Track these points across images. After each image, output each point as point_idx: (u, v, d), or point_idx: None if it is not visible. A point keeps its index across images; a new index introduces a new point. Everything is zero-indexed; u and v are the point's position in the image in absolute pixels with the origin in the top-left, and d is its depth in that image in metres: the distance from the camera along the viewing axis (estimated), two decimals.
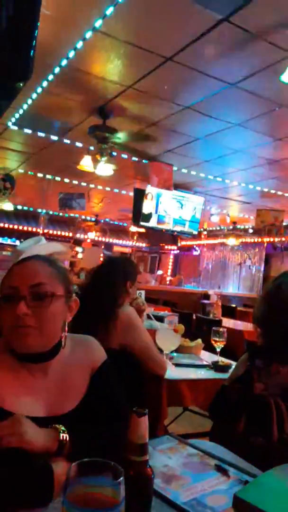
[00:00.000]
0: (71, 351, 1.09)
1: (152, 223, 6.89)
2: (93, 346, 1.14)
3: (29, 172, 7.15)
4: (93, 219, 11.15)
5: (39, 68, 2.55)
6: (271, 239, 9.96)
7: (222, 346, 2.44)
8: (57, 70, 3.52)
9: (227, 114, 4.21)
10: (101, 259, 13.44)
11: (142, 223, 6.81)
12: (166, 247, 13.34)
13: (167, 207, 6.96)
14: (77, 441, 0.89)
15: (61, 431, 0.89)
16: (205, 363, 2.41)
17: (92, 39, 3.03)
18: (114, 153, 4.86)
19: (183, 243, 12.57)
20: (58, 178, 7.28)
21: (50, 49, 3.17)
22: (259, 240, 10.51)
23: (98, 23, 2.83)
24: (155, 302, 6.37)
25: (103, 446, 0.91)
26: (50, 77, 3.65)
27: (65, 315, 1.04)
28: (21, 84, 2.03)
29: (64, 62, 3.39)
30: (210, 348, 2.59)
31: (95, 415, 1.01)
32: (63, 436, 0.88)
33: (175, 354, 2.44)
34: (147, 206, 6.69)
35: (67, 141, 5.25)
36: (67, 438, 0.88)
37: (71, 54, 3.25)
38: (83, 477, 0.59)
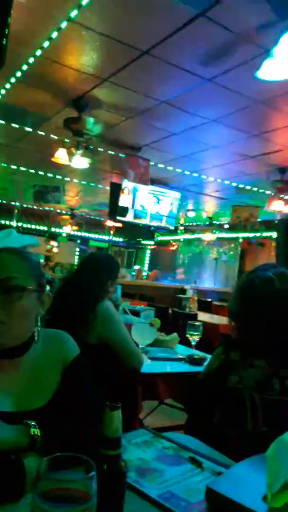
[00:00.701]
0: (44, 346, 1.07)
1: (129, 217, 6.87)
2: (66, 341, 1.13)
3: (2, 164, 7.00)
4: (68, 213, 11.04)
5: (13, 58, 2.50)
6: (246, 235, 10.13)
7: (198, 339, 2.46)
8: (31, 60, 3.45)
9: (203, 110, 4.22)
10: (77, 253, 13.37)
11: (118, 218, 6.78)
12: (143, 242, 13.35)
13: (144, 202, 6.95)
14: (49, 436, 0.88)
15: (32, 426, 0.88)
16: (180, 356, 2.43)
17: (67, 29, 2.97)
18: (90, 147, 4.80)
19: (160, 238, 12.62)
20: (32, 171, 7.16)
21: (24, 38, 3.10)
22: (235, 235, 10.66)
23: (74, 13, 2.78)
24: (132, 297, 6.37)
25: (76, 441, 0.90)
26: (24, 67, 3.57)
27: (37, 310, 1.02)
28: None
29: (38, 53, 3.32)
30: (186, 342, 2.60)
31: (67, 410, 1.00)
32: (34, 432, 0.87)
33: (150, 348, 2.44)
34: (124, 201, 6.67)
35: (41, 133, 5.16)
36: (38, 433, 0.87)
37: (46, 44, 3.18)
38: (55, 472, 0.59)
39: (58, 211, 10.99)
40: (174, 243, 12.84)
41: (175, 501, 0.84)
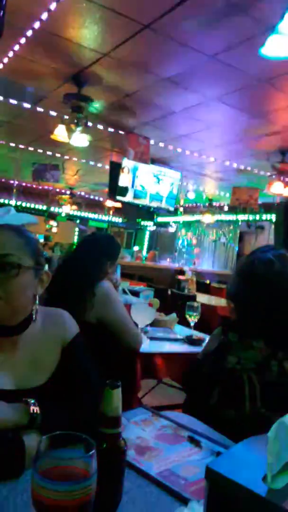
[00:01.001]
0: (43, 324, 1.06)
1: (129, 197, 6.82)
2: (65, 320, 1.12)
3: (1, 141, 6.90)
4: (68, 192, 10.94)
5: (11, 30, 2.42)
6: (246, 217, 10.08)
7: (196, 320, 2.47)
8: (29, 33, 3.35)
9: (205, 88, 4.13)
10: (76, 233, 13.33)
11: (118, 198, 6.73)
12: (142, 223, 13.30)
13: (144, 182, 6.89)
14: (49, 414, 0.88)
15: (31, 404, 0.87)
16: (179, 337, 2.44)
17: (66, 1, 2.88)
18: (90, 123, 4.72)
19: (160, 219, 12.56)
20: (31, 148, 7.06)
21: (22, 9, 3.00)
22: (234, 218, 10.61)
23: None
24: (131, 277, 6.38)
25: (75, 419, 0.90)
26: (22, 40, 3.47)
27: (35, 288, 1.01)
28: None
29: (37, 25, 3.22)
30: (184, 323, 2.61)
31: (67, 388, 1.00)
32: (33, 409, 0.87)
33: (150, 328, 2.45)
34: (123, 180, 6.60)
35: (40, 109, 5.06)
36: (38, 411, 0.87)
37: (44, 16, 3.09)
38: (55, 450, 0.59)
39: (57, 190, 10.89)
40: (173, 224, 12.79)
41: (174, 479, 0.85)
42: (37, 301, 1.02)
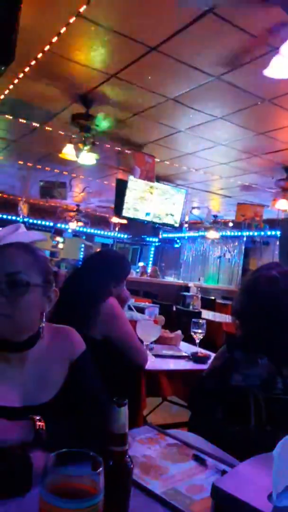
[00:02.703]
0: (50, 341, 1.07)
1: (134, 214, 6.86)
2: (72, 336, 1.13)
3: (10, 159, 7.01)
4: (74, 209, 11.04)
5: (21, 53, 2.49)
6: (251, 233, 10.09)
7: (201, 337, 2.46)
8: (39, 55, 3.44)
9: (210, 107, 4.21)
10: (82, 249, 13.38)
11: (123, 214, 6.77)
12: (147, 238, 13.34)
13: (149, 199, 6.93)
14: (55, 431, 0.89)
15: (37, 420, 0.88)
16: (184, 354, 2.43)
17: (75, 24, 2.97)
18: (97, 142, 4.80)
19: (165, 235, 12.60)
20: (39, 166, 7.17)
21: (33, 33, 3.09)
22: (239, 233, 10.63)
23: (82, 8, 2.77)
24: (136, 293, 6.38)
25: (82, 436, 0.91)
26: (33, 62, 3.57)
27: (43, 306, 1.03)
28: (3, 68, 1.98)
29: (46, 48, 3.32)
30: (189, 340, 2.61)
31: (73, 405, 1.01)
32: (39, 425, 0.87)
33: (155, 345, 2.45)
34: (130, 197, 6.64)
35: (49, 128, 5.16)
36: (43, 427, 0.88)
37: (54, 39, 3.18)
38: (62, 467, 0.59)
39: (64, 207, 11.00)
40: (178, 241, 12.83)
41: (179, 498, 0.85)
42: (44, 318, 1.04)
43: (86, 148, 4.64)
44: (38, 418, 0.89)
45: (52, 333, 1.09)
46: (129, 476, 0.73)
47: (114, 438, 0.71)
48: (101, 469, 0.58)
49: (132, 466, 0.74)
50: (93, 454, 0.60)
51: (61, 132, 5.16)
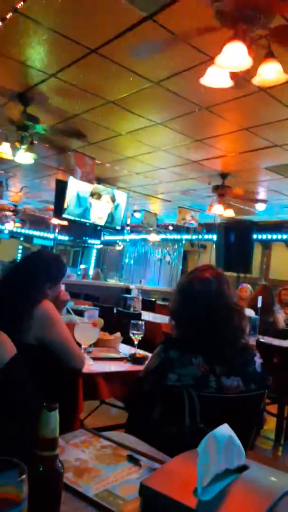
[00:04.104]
0: None
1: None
2: (1, 341, 1.10)
3: None
4: (11, 209, 10.68)
5: None
6: (189, 237, 10.40)
7: (140, 338, 2.49)
8: None
9: (149, 112, 4.28)
10: (19, 251, 12.96)
11: (64, 216, 6.67)
12: (89, 241, 13.22)
13: (90, 201, 6.89)
14: None
15: None
16: (122, 355, 2.44)
17: (13, 20, 2.88)
18: (35, 141, 4.69)
19: (107, 237, 12.57)
20: None
21: None
22: (178, 237, 10.91)
23: (19, 4, 2.70)
24: (77, 296, 6.30)
25: (11, 442, 0.88)
26: None
27: None
28: None
29: None
30: (130, 341, 2.62)
31: (3, 410, 0.98)
32: None
33: (94, 347, 2.44)
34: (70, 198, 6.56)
35: None
36: None
37: None
38: None
39: (1, 206, 10.59)
40: (120, 243, 12.86)
41: (112, 499, 0.85)
42: None
43: (23, 147, 4.51)
44: None
45: None
46: (60, 480, 0.73)
47: (44, 443, 0.70)
48: (25, 476, 0.57)
49: (62, 470, 0.73)
50: (17, 460, 0.59)
51: None
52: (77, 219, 6.80)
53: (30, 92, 4.04)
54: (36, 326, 1.77)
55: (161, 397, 1.49)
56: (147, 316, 5.13)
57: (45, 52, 3.34)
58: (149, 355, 2.28)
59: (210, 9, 2.48)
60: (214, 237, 8.70)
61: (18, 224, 10.99)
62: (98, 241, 13.00)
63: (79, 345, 2.14)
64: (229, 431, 0.72)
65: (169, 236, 11.15)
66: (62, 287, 2.45)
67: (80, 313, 3.05)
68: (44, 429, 0.70)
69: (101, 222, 7.16)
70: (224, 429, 0.72)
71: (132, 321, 2.53)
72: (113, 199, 7.20)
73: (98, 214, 7.00)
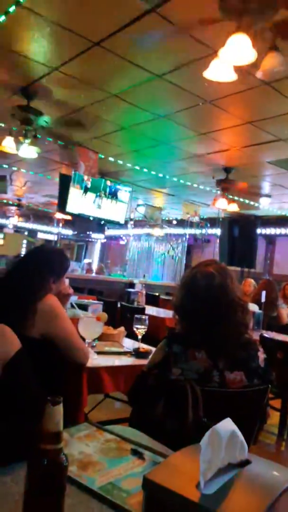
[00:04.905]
0: None
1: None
2: (6, 335, 1.11)
3: None
4: (15, 203, 10.69)
5: None
6: (193, 231, 10.38)
7: (144, 333, 2.50)
8: None
9: (153, 106, 4.26)
10: (24, 246, 13.00)
11: (68, 210, 6.67)
12: (93, 235, 13.22)
13: (95, 195, 6.89)
14: None
15: None
16: (126, 350, 2.45)
17: (16, 14, 2.87)
18: (39, 136, 4.68)
19: (110, 232, 12.58)
20: None
21: None
22: (182, 231, 10.89)
23: None
24: (81, 291, 6.32)
25: (16, 435, 0.89)
26: None
27: None
28: None
29: None
30: (133, 336, 2.63)
31: (7, 404, 0.99)
32: None
33: (98, 342, 2.45)
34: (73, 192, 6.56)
35: None
36: None
37: None
38: None
39: (4, 201, 10.61)
40: (124, 237, 12.86)
41: (116, 492, 0.86)
42: None
43: (27, 141, 4.51)
44: None
45: None
46: (64, 474, 0.73)
47: (48, 436, 0.71)
48: None
49: (67, 464, 0.74)
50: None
51: (1, 124, 4.97)
52: (80, 213, 6.81)
53: (33, 86, 4.02)
54: (40, 320, 1.78)
55: (164, 391, 1.49)
56: (150, 310, 5.14)
57: (48, 46, 3.32)
58: (153, 349, 2.29)
59: (214, 0, 2.46)
60: (218, 231, 8.68)
61: (22, 219, 11.01)
62: (102, 236, 13.01)
63: (83, 339, 2.14)
64: (232, 425, 0.72)
65: (173, 231, 11.13)
66: (66, 281, 2.46)
67: (84, 307, 3.06)
68: (48, 423, 0.70)
69: (105, 216, 7.16)
70: (227, 424, 0.72)
71: (136, 315, 2.54)
72: (116, 194, 7.20)
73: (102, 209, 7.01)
